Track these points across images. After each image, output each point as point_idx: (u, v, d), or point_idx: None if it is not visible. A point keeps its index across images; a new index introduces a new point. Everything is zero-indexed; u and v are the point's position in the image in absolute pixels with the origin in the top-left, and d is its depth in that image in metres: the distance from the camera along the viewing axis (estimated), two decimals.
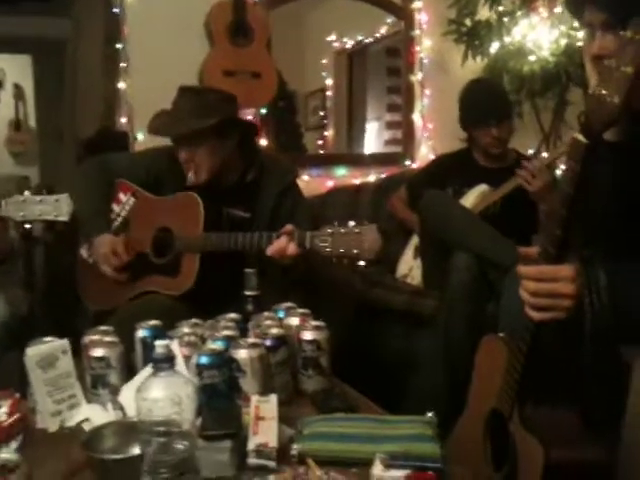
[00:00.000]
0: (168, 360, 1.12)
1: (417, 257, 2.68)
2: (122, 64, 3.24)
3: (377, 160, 3.95)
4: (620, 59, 1.11)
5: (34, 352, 1.39)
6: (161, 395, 1.09)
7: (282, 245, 1.80)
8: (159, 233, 2.09)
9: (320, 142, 4.44)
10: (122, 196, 2.18)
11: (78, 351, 1.54)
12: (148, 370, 1.26)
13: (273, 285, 1.89)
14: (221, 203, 2.09)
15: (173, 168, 2.13)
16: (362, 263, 1.65)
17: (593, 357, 1.32)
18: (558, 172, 2.42)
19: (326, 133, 4.44)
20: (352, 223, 1.65)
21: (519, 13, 3.13)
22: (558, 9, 2.95)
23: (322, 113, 4.48)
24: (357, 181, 3.63)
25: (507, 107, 2.70)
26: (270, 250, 1.82)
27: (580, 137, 1.16)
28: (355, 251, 1.63)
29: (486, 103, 2.64)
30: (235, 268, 1.84)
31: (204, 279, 1.97)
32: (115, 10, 3.25)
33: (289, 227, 1.82)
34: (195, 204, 2.02)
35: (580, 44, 2.69)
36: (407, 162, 3.84)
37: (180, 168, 2.09)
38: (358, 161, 3.95)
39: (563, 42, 2.97)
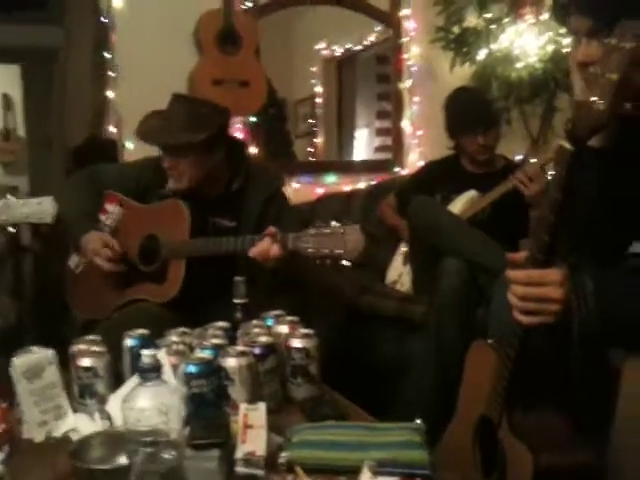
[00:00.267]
0: (155, 370, 1.12)
1: (407, 263, 2.68)
2: (111, 73, 3.24)
3: (367, 167, 3.96)
4: (605, 66, 1.12)
5: (20, 362, 1.38)
6: (148, 405, 1.09)
7: (265, 247, 1.78)
8: (145, 241, 2.08)
9: (310, 149, 4.45)
10: (108, 206, 2.17)
11: (66, 361, 1.53)
12: (135, 380, 1.26)
13: (262, 292, 1.89)
14: (207, 213, 2.08)
15: (162, 178, 2.12)
16: (346, 263, 1.63)
17: (581, 362, 1.32)
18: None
19: (316, 140, 4.45)
20: (335, 223, 1.64)
21: (506, 20, 3.14)
22: (545, 16, 2.97)
23: (312, 120, 4.49)
24: (347, 188, 3.63)
25: (493, 115, 2.71)
26: (253, 252, 1.81)
27: (565, 144, 1.17)
28: (338, 251, 1.61)
29: (472, 111, 2.66)
30: (223, 276, 1.84)
31: (192, 287, 1.96)
32: (104, 19, 3.26)
33: (272, 229, 1.81)
34: (180, 211, 2.02)
35: (567, 50, 2.71)
36: (397, 169, 3.85)
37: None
38: (348, 168, 3.96)
39: (550, 48, 2.99)
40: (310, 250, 1.65)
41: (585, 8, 1.29)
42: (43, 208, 1.72)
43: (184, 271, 1.97)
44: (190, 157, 2.03)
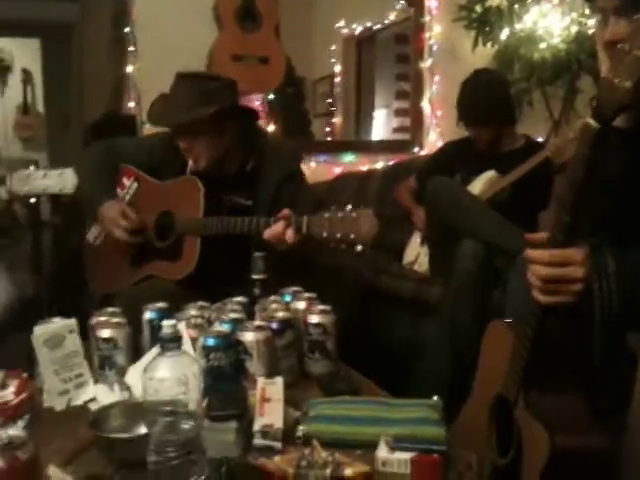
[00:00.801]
0: (175, 340, 1.12)
1: (424, 244, 2.67)
2: (130, 48, 3.24)
3: (385, 147, 3.95)
4: (633, 43, 1.09)
5: (41, 331, 1.40)
6: (168, 375, 1.10)
7: (279, 229, 1.75)
8: (161, 216, 2.09)
9: (328, 129, 4.44)
10: (126, 181, 2.19)
11: (86, 333, 1.54)
12: (155, 351, 1.27)
13: (275, 271, 1.88)
14: (222, 191, 2.07)
15: (173, 153, 2.11)
16: (359, 248, 1.63)
17: (601, 344, 1.31)
18: None
19: (334, 120, 4.43)
20: (349, 207, 1.63)
21: (530, 0, 3.10)
22: None
23: (330, 100, 4.47)
24: (365, 168, 3.62)
25: (487, 112, 2.59)
26: (267, 234, 1.79)
27: (591, 121, 1.15)
28: (352, 236, 1.60)
29: (467, 104, 2.63)
30: (239, 253, 1.84)
31: (207, 264, 1.96)
32: None
33: (286, 211, 1.78)
34: (196, 188, 2.01)
35: (591, 32, 2.67)
36: (415, 149, 3.83)
37: (180, 153, 2.07)
38: (366, 148, 3.96)
39: (574, 29, 2.95)
40: (324, 235, 1.65)
41: None
42: (64, 179, 1.74)
43: (199, 248, 1.97)
44: (204, 135, 2.00)
